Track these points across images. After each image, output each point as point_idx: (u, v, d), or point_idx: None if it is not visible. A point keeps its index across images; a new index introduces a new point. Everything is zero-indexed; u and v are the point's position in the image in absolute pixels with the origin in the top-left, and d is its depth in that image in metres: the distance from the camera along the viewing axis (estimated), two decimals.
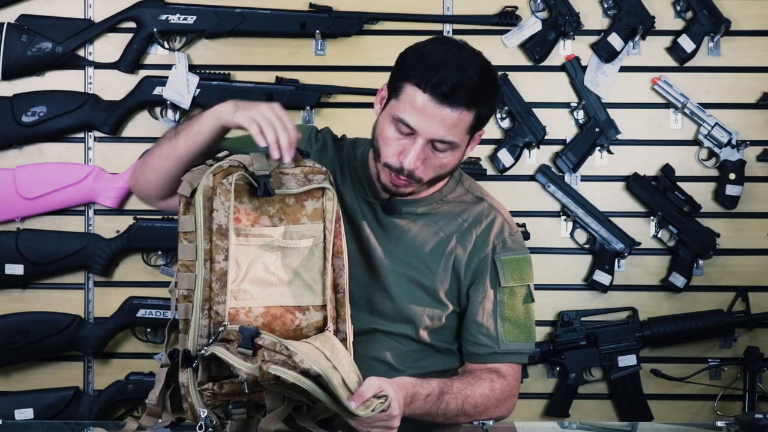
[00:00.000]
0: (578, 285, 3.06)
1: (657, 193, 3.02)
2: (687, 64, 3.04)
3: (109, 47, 3.01)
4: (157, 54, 3.02)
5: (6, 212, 2.95)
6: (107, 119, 2.96)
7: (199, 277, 1.76)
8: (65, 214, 3.00)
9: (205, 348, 1.73)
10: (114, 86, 3.00)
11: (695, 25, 3.02)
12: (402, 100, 1.93)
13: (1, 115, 2.93)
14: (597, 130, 3.03)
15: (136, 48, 2.97)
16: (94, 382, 3.01)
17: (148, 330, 2.97)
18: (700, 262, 3.03)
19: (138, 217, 2.96)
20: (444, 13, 3.02)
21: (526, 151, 3.04)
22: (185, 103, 2.94)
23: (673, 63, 3.05)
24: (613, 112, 3.04)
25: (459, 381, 2.00)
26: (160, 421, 1.84)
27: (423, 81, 1.90)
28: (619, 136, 3.04)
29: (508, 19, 3.02)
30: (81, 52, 3.00)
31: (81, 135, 3.01)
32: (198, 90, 2.95)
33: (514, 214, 3.01)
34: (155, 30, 2.95)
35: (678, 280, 3.02)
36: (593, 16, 3.05)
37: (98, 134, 3.00)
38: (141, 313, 2.93)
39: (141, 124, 3.01)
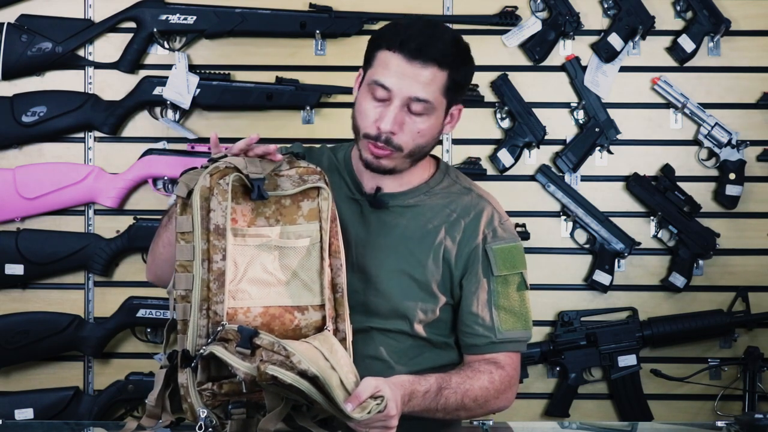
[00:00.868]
0: (578, 285, 3.06)
1: (657, 193, 3.02)
2: (687, 64, 3.04)
3: (109, 47, 3.01)
4: (157, 54, 3.02)
5: (6, 212, 2.95)
6: (107, 119, 2.96)
7: (197, 277, 1.76)
8: (65, 214, 3.00)
9: (204, 347, 1.74)
10: (114, 86, 3.00)
11: (695, 25, 3.02)
12: (375, 66, 1.98)
13: (1, 115, 2.93)
14: (597, 130, 3.03)
15: (136, 48, 2.97)
16: (94, 382, 3.01)
17: (148, 330, 2.97)
18: (700, 262, 3.03)
19: (138, 217, 2.96)
20: (444, 13, 3.02)
21: (526, 151, 3.04)
22: (185, 103, 2.94)
23: (673, 63, 3.05)
24: (613, 112, 3.04)
25: (457, 375, 2.00)
26: (160, 421, 1.84)
27: (393, 42, 1.96)
28: (619, 136, 3.04)
29: (508, 19, 3.02)
30: (81, 52, 3.00)
31: (81, 135, 3.01)
32: (198, 90, 2.95)
33: (514, 214, 3.03)
34: (155, 30, 2.95)
35: (678, 280, 3.02)
36: (593, 16, 3.05)
37: (98, 134, 3.00)
38: (141, 313, 2.93)
39: (141, 124, 3.01)
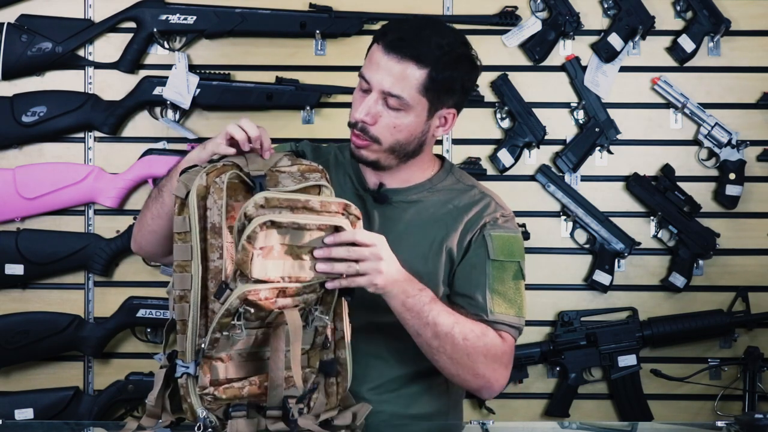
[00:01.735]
0: (578, 285, 3.06)
1: (657, 193, 3.02)
2: (687, 64, 3.04)
3: (109, 47, 3.01)
4: (157, 54, 3.02)
5: (6, 212, 2.95)
6: (107, 119, 2.96)
7: (195, 276, 1.76)
8: (65, 214, 3.00)
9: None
10: (114, 86, 3.00)
11: (695, 25, 3.02)
12: (366, 59, 2.02)
13: (1, 115, 2.93)
14: (597, 130, 3.03)
15: (136, 48, 2.97)
16: (94, 382, 3.01)
17: (148, 330, 2.97)
18: (700, 262, 3.03)
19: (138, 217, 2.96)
20: (444, 13, 3.02)
21: (526, 151, 3.04)
22: (185, 103, 2.95)
23: (673, 63, 3.05)
24: (613, 112, 3.04)
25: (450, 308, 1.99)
26: (160, 421, 1.84)
27: (379, 36, 1.99)
28: (619, 136, 3.04)
29: (508, 19, 3.02)
30: (81, 52, 3.00)
31: (81, 135, 3.01)
32: (198, 90, 2.95)
33: (514, 214, 3.03)
34: (155, 30, 2.95)
35: (678, 280, 3.02)
36: (593, 16, 3.05)
37: (98, 134, 3.00)
38: (141, 313, 2.94)
39: (141, 124, 3.01)
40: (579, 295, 3.06)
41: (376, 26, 3.00)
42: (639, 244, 3.04)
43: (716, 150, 3.04)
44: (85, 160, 3.01)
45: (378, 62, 1.96)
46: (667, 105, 3.05)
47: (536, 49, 3.02)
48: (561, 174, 3.04)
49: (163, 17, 2.95)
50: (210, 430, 1.77)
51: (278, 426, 1.78)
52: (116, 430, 2.28)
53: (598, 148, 3.04)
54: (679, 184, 3.02)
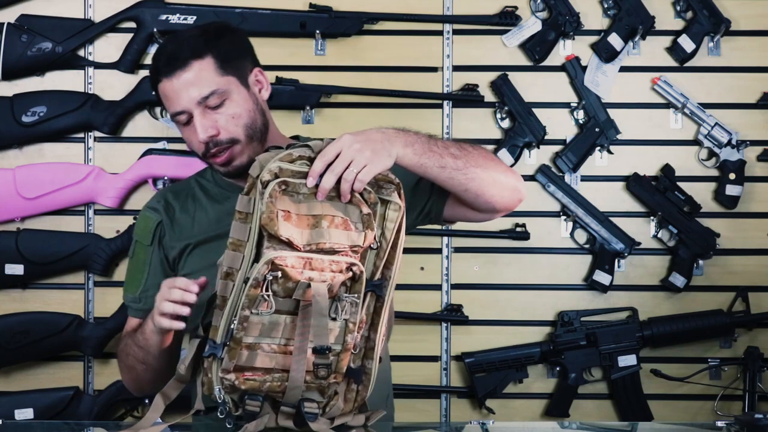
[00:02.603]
0: (578, 285, 3.06)
1: (657, 193, 3.02)
2: (687, 64, 3.04)
3: (109, 47, 3.01)
4: None
5: (6, 212, 2.94)
6: (107, 119, 2.96)
7: (247, 258, 1.75)
8: (65, 214, 2.99)
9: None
10: (114, 86, 3.00)
11: (695, 25, 3.02)
12: (163, 102, 2.04)
13: (1, 115, 2.93)
14: (597, 130, 3.03)
15: (136, 48, 2.97)
16: (94, 382, 3.01)
17: None
18: (700, 262, 3.03)
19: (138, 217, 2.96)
20: (444, 13, 3.02)
21: (526, 151, 3.04)
22: None
23: (673, 63, 3.05)
24: (613, 112, 3.04)
25: None
26: (159, 421, 1.85)
27: (153, 75, 2.03)
28: (619, 136, 3.04)
29: (508, 19, 3.02)
30: (81, 52, 3.00)
31: (81, 135, 3.01)
32: None
33: (514, 214, 3.01)
34: (155, 30, 2.95)
35: (678, 280, 3.02)
36: (593, 16, 3.05)
37: (98, 134, 3.00)
38: None
39: (141, 124, 3.01)
40: (579, 295, 3.06)
41: (376, 26, 3.00)
42: (639, 244, 3.04)
43: (716, 150, 3.04)
44: (85, 160, 3.01)
45: (173, 90, 1.99)
46: (667, 105, 3.05)
47: (536, 49, 3.02)
48: (561, 174, 3.04)
49: (163, 17, 2.95)
50: (225, 410, 1.78)
51: (287, 423, 1.79)
52: (116, 430, 2.29)
53: (598, 148, 3.04)
54: (679, 184, 3.02)
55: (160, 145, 2.98)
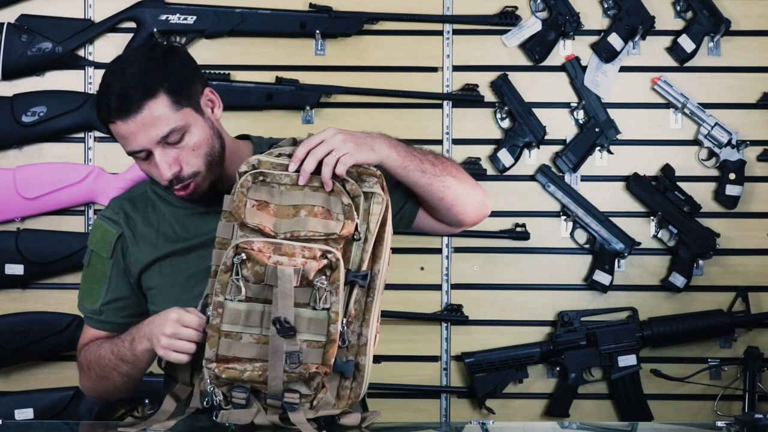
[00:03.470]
0: (578, 285, 3.06)
1: (657, 193, 3.02)
2: (687, 64, 3.04)
3: (109, 47, 3.00)
4: None
5: (6, 212, 2.94)
6: None
7: (235, 238, 1.80)
8: (65, 214, 2.99)
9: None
10: None
11: (695, 25, 3.02)
12: (118, 140, 1.98)
13: (1, 115, 2.93)
14: (597, 130, 3.03)
15: None
16: None
17: None
18: (700, 262, 3.03)
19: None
20: (444, 13, 3.02)
21: (526, 151, 3.04)
22: None
23: (673, 63, 3.05)
24: (613, 112, 3.04)
25: None
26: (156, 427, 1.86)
27: (104, 115, 1.95)
28: (619, 136, 3.04)
29: (508, 19, 3.02)
30: (81, 52, 3.00)
31: (81, 135, 3.01)
32: None
33: (514, 214, 3.04)
34: (155, 30, 2.95)
35: (678, 280, 3.02)
36: (593, 16, 3.05)
37: (98, 134, 3.00)
38: None
39: None
40: (579, 295, 3.06)
41: (376, 26, 3.00)
42: (639, 244, 3.04)
43: (716, 150, 3.04)
44: (85, 160, 3.01)
45: (129, 131, 1.93)
46: (667, 105, 3.05)
47: (536, 49, 3.02)
48: (561, 174, 3.04)
49: (163, 17, 2.95)
50: (215, 401, 1.81)
51: (273, 418, 1.80)
52: (116, 430, 2.29)
53: (598, 148, 3.04)
54: (679, 184, 3.02)
55: None
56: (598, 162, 3.05)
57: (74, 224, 3.00)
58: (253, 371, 1.78)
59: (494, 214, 2.99)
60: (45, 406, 2.91)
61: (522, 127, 3.02)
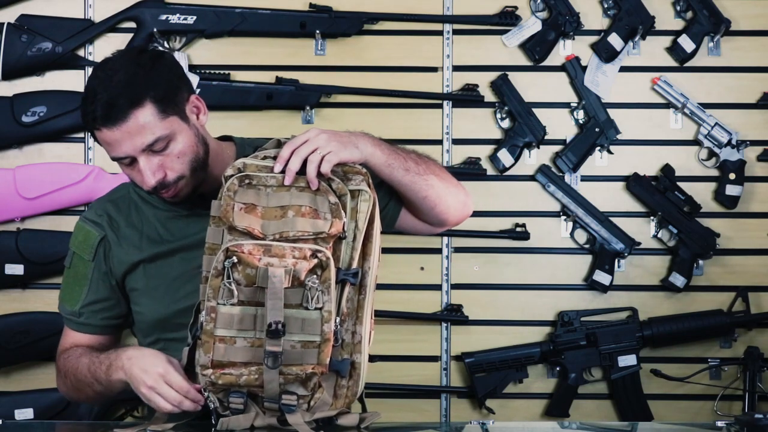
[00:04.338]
0: (578, 285, 3.06)
1: (657, 193, 3.02)
2: (687, 64, 3.04)
3: (109, 47, 2.99)
4: None
5: (6, 212, 2.95)
6: None
7: (225, 241, 1.80)
8: (65, 214, 2.99)
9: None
10: None
11: (695, 25, 3.02)
12: (103, 146, 1.97)
13: (1, 115, 2.93)
14: (597, 130, 3.03)
15: None
16: None
17: None
18: (700, 262, 3.03)
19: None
20: (444, 13, 3.02)
21: (526, 151, 3.04)
22: None
23: (673, 63, 3.05)
24: (613, 112, 3.04)
25: None
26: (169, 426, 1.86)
27: (89, 122, 1.93)
28: (619, 136, 3.04)
29: (508, 19, 3.02)
30: (81, 52, 3.00)
31: (81, 135, 3.01)
32: (198, 90, 2.94)
33: (514, 214, 3.04)
34: (155, 30, 2.95)
35: (678, 280, 3.02)
36: (593, 16, 3.05)
37: None
38: None
39: None
40: (579, 295, 3.06)
41: (376, 26, 3.00)
42: (639, 244, 3.04)
43: (716, 150, 3.04)
44: (85, 160, 3.01)
45: (114, 139, 1.92)
46: (667, 105, 3.05)
47: (536, 49, 3.02)
48: (561, 174, 3.04)
49: (163, 17, 2.95)
50: (212, 406, 1.81)
51: (271, 421, 1.80)
52: (116, 429, 2.29)
53: (598, 148, 3.04)
54: (679, 184, 3.02)
55: None
56: (598, 162, 3.05)
57: (74, 224, 2.99)
58: (250, 375, 1.78)
59: (494, 214, 3.03)
60: (45, 406, 2.91)
61: (522, 127, 3.02)
